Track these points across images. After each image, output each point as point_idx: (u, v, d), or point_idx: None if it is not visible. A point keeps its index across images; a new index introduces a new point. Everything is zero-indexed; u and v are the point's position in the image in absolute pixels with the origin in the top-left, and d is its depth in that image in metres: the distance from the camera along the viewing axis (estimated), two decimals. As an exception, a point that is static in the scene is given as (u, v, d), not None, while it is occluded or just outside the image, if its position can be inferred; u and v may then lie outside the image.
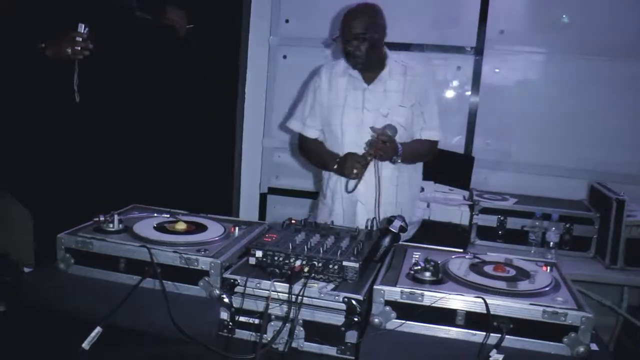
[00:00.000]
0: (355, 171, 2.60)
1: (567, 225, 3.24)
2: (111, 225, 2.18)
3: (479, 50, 3.87)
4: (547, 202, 3.41)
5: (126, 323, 1.85)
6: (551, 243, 3.11)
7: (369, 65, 2.76)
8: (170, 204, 2.54)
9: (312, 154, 2.98)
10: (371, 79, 2.79)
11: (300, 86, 3.96)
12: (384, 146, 2.59)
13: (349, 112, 2.79)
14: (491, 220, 3.33)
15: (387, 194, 2.75)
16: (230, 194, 4.39)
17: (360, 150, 2.70)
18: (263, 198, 4.38)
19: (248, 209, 4.39)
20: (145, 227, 2.22)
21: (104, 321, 1.82)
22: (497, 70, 3.91)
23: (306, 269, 1.87)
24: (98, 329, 1.82)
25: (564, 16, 3.80)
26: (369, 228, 2.27)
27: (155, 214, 2.40)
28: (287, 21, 4.17)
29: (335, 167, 2.73)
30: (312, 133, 2.94)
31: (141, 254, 1.99)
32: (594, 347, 1.72)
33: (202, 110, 3.94)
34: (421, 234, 3.11)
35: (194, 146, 3.93)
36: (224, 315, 1.87)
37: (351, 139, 2.78)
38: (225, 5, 4.02)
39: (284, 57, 4.21)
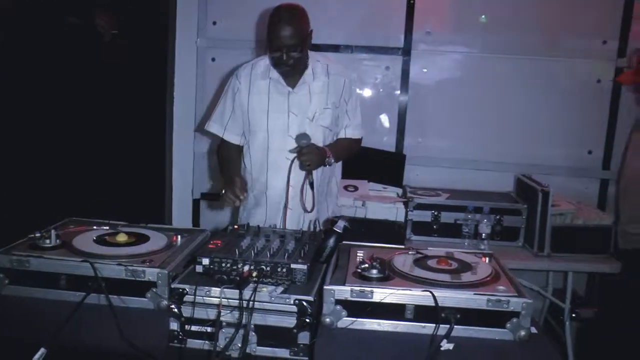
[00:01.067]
0: (230, 201, 2.48)
1: (498, 217, 3.37)
2: (48, 241, 2.11)
3: (406, 51, 3.97)
4: (477, 196, 3.54)
5: (72, 342, 1.81)
6: (483, 234, 3.24)
7: (299, 70, 2.71)
8: (102, 214, 2.49)
9: (224, 165, 2.82)
10: (294, 82, 2.71)
11: (217, 87, 3.96)
12: (305, 159, 2.56)
13: (275, 117, 2.71)
14: (425, 216, 3.42)
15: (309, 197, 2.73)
16: (162, 201, 4.31)
17: (283, 155, 2.67)
18: (196, 204, 4.32)
19: (181, 216, 4.31)
20: (85, 240, 2.16)
21: (49, 341, 1.75)
22: (424, 70, 4.01)
23: (255, 274, 1.87)
24: (42, 350, 1.75)
25: (483, 17, 3.95)
26: (312, 230, 2.29)
27: (95, 227, 2.33)
28: (214, 23, 4.11)
29: (224, 187, 2.55)
30: (235, 139, 2.83)
31: (84, 269, 1.94)
32: (533, 330, 1.82)
33: (130, 116, 3.87)
34: (358, 232, 3.16)
35: (123, 154, 3.86)
36: (174, 325, 1.85)
37: (278, 145, 2.71)
38: (151, 8, 3.95)
39: (213, 59, 4.14)
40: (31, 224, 2.22)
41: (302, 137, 2.58)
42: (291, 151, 2.64)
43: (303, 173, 2.60)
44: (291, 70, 2.65)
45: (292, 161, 2.59)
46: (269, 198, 2.78)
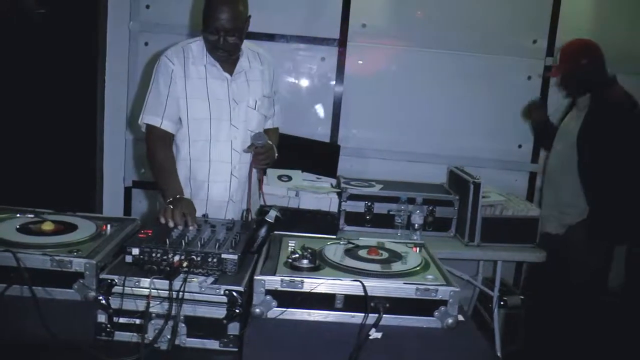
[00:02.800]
0: (178, 223, 2.17)
1: (430, 208, 3.44)
2: (-34, 230, 2.02)
3: (342, 42, 3.99)
4: (410, 187, 3.60)
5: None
6: (416, 225, 3.30)
7: (235, 56, 2.61)
8: (29, 202, 2.39)
9: (161, 173, 2.52)
10: (231, 68, 2.60)
11: (142, 74, 3.91)
12: (263, 158, 2.57)
13: (217, 104, 2.58)
14: (359, 206, 3.45)
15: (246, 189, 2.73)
16: (93, 188, 4.19)
17: (227, 145, 2.61)
18: (128, 192, 4.23)
19: (112, 204, 4.23)
20: (8, 229, 2.07)
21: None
22: (360, 62, 4.05)
23: (185, 264, 1.85)
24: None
25: (418, 12, 4.01)
26: (243, 219, 2.27)
27: (18, 214, 2.24)
28: (147, 7, 4.02)
29: (169, 201, 2.33)
30: (172, 128, 2.58)
31: (6, 259, 1.85)
32: (460, 318, 1.87)
33: (59, 101, 3.74)
34: (291, 223, 3.16)
35: (51, 139, 3.73)
36: (102, 318, 1.81)
37: (223, 135, 2.60)
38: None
39: (146, 44, 4.06)
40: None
41: (258, 136, 2.54)
42: (246, 150, 2.60)
43: (244, 165, 2.61)
44: (227, 56, 2.54)
45: (251, 164, 2.60)
46: (211, 190, 2.65)
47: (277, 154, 2.67)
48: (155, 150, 2.55)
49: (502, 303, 3.71)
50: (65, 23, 3.64)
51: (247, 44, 2.66)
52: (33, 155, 3.56)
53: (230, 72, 2.60)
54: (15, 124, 3.49)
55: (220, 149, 2.62)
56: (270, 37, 3.91)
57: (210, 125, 2.59)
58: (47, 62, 3.60)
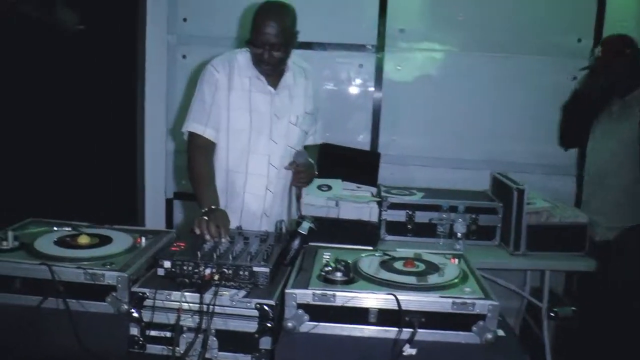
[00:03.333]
0: (212, 235, 2.14)
1: (473, 216, 3.35)
2: (5, 243, 2.05)
3: (380, 48, 3.94)
4: (452, 195, 3.51)
5: (29, 348, 1.76)
6: (459, 234, 3.21)
7: (280, 70, 2.59)
8: (71, 215, 2.43)
9: (200, 184, 2.48)
10: (275, 82, 2.58)
11: (187, 85, 3.92)
12: (303, 176, 2.55)
13: (258, 117, 2.56)
14: (400, 215, 3.39)
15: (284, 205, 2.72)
16: (134, 201, 4.23)
17: (265, 159, 2.59)
18: (169, 203, 4.26)
19: (154, 216, 4.24)
20: (46, 242, 2.10)
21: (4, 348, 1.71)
22: (398, 67, 3.99)
23: (216, 277, 1.83)
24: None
25: (460, 15, 3.93)
26: (277, 231, 2.25)
27: (56, 228, 2.27)
28: (185, 20, 4.05)
29: (204, 211, 2.28)
30: (214, 136, 2.56)
31: (41, 273, 1.88)
32: (500, 333, 1.79)
33: (100, 114, 3.80)
34: (330, 233, 3.12)
35: (93, 152, 3.79)
36: (134, 330, 1.81)
37: (261, 149, 2.59)
38: (121, 3, 3.88)
39: (184, 56, 4.08)
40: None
41: (300, 154, 2.54)
42: (287, 167, 2.60)
43: (281, 180, 2.62)
44: (271, 70, 2.52)
45: (292, 184, 2.60)
46: (246, 202, 2.63)
47: (317, 172, 2.65)
48: (196, 159, 2.54)
49: (552, 315, 3.57)
50: (105, 38, 3.71)
51: (293, 59, 2.63)
52: (75, 168, 3.63)
53: (275, 86, 2.59)
54: (58, 138, 3.56)
55: (256, 161, 2.60)
56: (307, 45, 3.87)
57: (249, 137, 2.58)
58: (87, 76, 3.67)
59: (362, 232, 3.26)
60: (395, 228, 3.40)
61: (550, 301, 3.52)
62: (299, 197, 2.56)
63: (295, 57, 2.67)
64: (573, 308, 3.68)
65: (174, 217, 4.26)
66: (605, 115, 3.38)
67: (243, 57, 2.59)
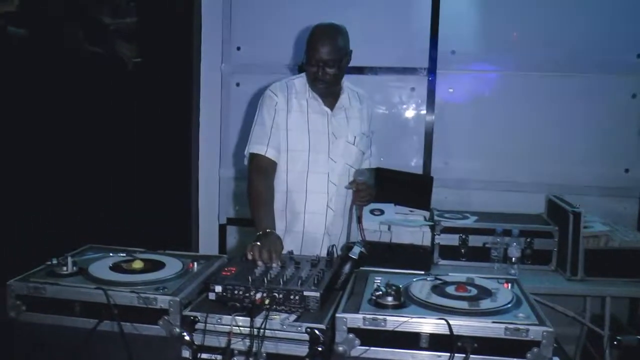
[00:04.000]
0: (264, 261, 2.12)
1: (528, 240, 3.28)
2: (65, 268, 2.11)
3: (431, 71, 3.93)
4: (506, 218, 3.46)
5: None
6: (513, 258, 3.15)
7: (334, 90, 2.67)
8: (127, 241, 2.49)
9: (258, 206, 2.49)
10: (331, 104, 2.67)
11: (242, 112, 3.99)
12: (363, 195, 2.58)
13: (316, 137, 2.64)
14: (453, 239, 3.35)
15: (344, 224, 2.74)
16: (188, 226, 4.31)
17: (324, 177, 2.64)
18: (222, 229, 4.31)
19: (207, 242, 4.30)
20: (101, 267, 2.16)
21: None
22: (450, 90, 3.96)
23: (267, 301, 1.84)
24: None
25: (514, 34, 3.89)
26: (329, 255, 2.25)
27: (111, 254, 2.33)
28: (238, 48, 4.14)
29: (257, 235, 2.29)
30: (275, 156, 2.61)
31: (97, 297, 1.93)
32: (556, 360, 1.73)
33: (155, 142, 3.90)
34: (383, 257, 3.11)
35: (149, 180, 3.88)
36: (186, 353, 1.83)
37: (320, 167, 2.64)
38: (175, 34, 4.00)
39: (237, 84, 4.17)
40: (55, 250, 2.23)
41: (361, 172, 2.59)
42: (348, 187, 2.65)
43: (341, 198, 2.66)
44: (326, 89, 2.61)
45: (353, 203, 2.63)
46: (307, 222, 2.67)
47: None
48: (255, 180, 2.58)
49: (615, 343, 3.43)
50: (161, 69, 3.83)
51: (347, 84, 2.74)
52: (132, 195, 3.72)
53: (331, 107, 2.67)
54: (116, 166, 3.67)
55: (316, 180, 2.65)
56: (359, 70, 3.89)
57: (308, 157, 2.64)
58: (145, 106, 3.79)
59: (415, 257, 3.24)
60: (448, 252, 3.37)
61: (612, 329, 3.38)
62: (360, 219, 2.59)
63: (349, 83, 2.76)
64: (638, 337, 3.54)
65: (227, 242, 4.31)
66: None
67: (299, 81, 2.70)
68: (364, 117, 2.76)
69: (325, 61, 2.51)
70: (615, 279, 3.19)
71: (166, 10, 3.91)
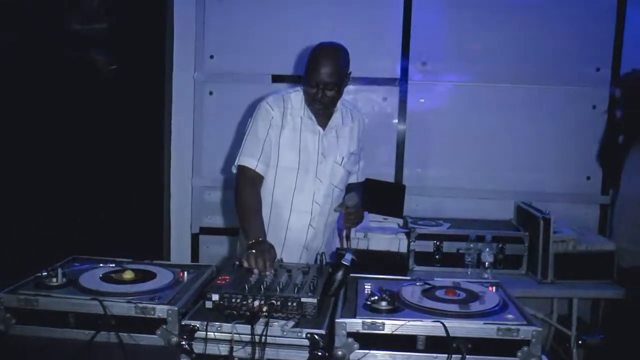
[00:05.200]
0: (259, 269, 2.16)
1: (500, 245, 3.39)
2: (55, 280, 2.09)
3: (403, 81, 4.01)
4: (478, 224, 3.57)
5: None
6: (486, 263, 3.25)
7: (331, 110, 2.67)
8: (100, 251, 2.48)
9: (248, 217, 2.51)
10: (324, 123, 2.66)
11: (220, 118, 4.02)
12: (352, 218, 2.60)
13: (306, 156, 2.64)
14: (427, 246, 3.44)
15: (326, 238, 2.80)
16: (160, 236, 4.28)
17: (310, 197, 2.66)
18: (195, 238, 4.30)
19: (179, 251, 4.27)
20: (92, 278, 2.15)
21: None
22: (421, 100, 4.06)
23: (265, 309, 1.87)
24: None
25: (481, 47, 4.02)
26: (319, 263, 2.29)
27: (101, 264, 2.32)
28: (211, 57, 4.13)
29: (250, 243, 2.32)
30: (264, 171, 2.62)
31: (92, 307, 1.93)
32: (544, 358, 1.83)
33: (127, 151, 3.87)
34: (362, 264, 3.16)
35: (120, 189, 3.85)
36: (186, 362, 1.84)
37: (307, 187, 2.66)
38: (148, 42, 3.98)
39: (210, 93, 4.15)
40: (32, 262, 2.21)
41: (351, 197, 2.60)
42: (337, 210, 2.67)
43: (323, 217, 2.69)
44: (324, 109, 2.60)
45: (342, 224, 2.63)
46: (288, 239, 2.69)
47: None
48: (244, 190, 2.59)
49: (580, 342, 3.57)
50: (134, 77, 3.80)
51: (343, 100, 2.71)
52: (104, 205, 3.68)
53: (323, 126, 2.66)
54: (89, 176, 3.63)
55: (302, 199, 2.67)
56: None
57: (296, 175, 2.65)
58: (117, 114, 3.75)
59: (392, 263, 3.32)
60: (423, 258, 3.45)
61: (578, 329, 3.52)
62: (348, 237, 2.61)
63: (345, 99, 2.74)
64: (601, 335, 3.68)
65: (199, 251, 4.30)
66: (636, 145, 3.43)
67: (296, 96, 2.67)
68: (354, 136, 2.75)
69: (326, 84, 2.48)
70: (582, 281, 3.33)
71: (139, 18, 3.88)
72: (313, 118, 2.64)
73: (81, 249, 2.52)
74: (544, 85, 3.98)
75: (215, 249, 4.23)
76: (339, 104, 2.67)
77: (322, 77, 2.47)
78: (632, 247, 3.32)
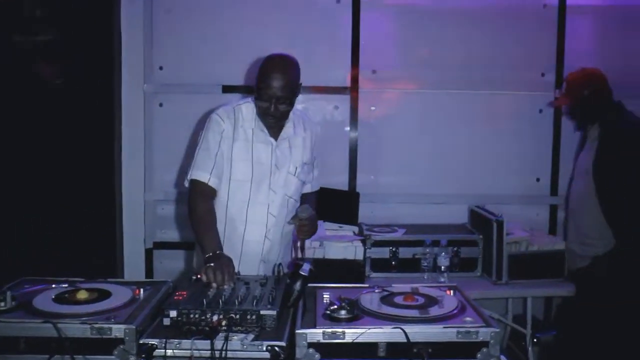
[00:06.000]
0: (218, 283, 2.14)
1: (455, 249, 3.44)
2: (2, 304, 2.02)
3: (354, 90, 4.04)
4: (433, 229, 3.61)
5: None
6: (442, 267, 3.29)
7: (281, 122, 2.64)
8: (51, 270, 2.41)
9: (203, 231, 2.49)
10: (276, 133, 2.64)
11: (171, 130, 3.98)
12: (306, 230, 2.58)
13: (259, 168, 2.61)
14: (383, 252, 3.47)
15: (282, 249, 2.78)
16: (113, 252, 4.19)
17: (264, 208, 2.64)
18: (149, 253, 4.23)
19: (133, 266, 4.19)
20: (44, 299, 2.08)
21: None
22: (373, 108, 4.10)
23: (224, 323, 1.85)
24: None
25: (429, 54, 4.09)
26: (276, 274, 2.28)
27: (53, 285, 2.26)
28: (161, 68, 4.08)
29: (208, 257, 2.32)
30: (217, 184, 2.59)
31: (46, 331, 1.86)
32: (503, 358, 1.86)
33: (76, 167, 3.79)
34: (319, 273, 3.16)
35: (70, 205, 3.76)
36: (145, 381, 1.80)
37: (260, 198, 2.63)
38: (96, 54, 3.90)
39: (160, 104, 4.09)
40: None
41: (304, 209, 2.58)
42: (290, 222, 2.65)
43: (279, 228, 2.67)
44: (276, 122, 2.58)
45: (294, 235, 2.65)
46: (244, 253, 2.65)
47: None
48: (197, 204, 2.55)
49: (535, 340, 3.65)
50: (82, 90, 3.73)
51: (294, 110, 2.69)
52: (52, 222, 3.59)
53: (275, 137, 2.64)
54: (35, 192, 3.54)
55: (256, 211, 2.64)
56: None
57: (250, 188, 2.62)
58: (65, 128, 3.67)
59: (348, 271, 3.32)
60: (379, 265, 3.48)
61: (532, 327, 3.59)
62: (302, 248, 2.61)
63: (296, 108, 2.72)
64: (554, 332, 3.77)
65: (153, 267, 4.23)
66: (579, 149, 3.55)
67: (246, 107, 2.64)
68: (307, 145, 2.74)
69: (278, 97, 2.46)
70: (535, 280, 3.41)
71: (85, 30, 3.80)
72: (265, 130, 2.62)
73: (31, 270, 2.44)
74: (491, 91, 4.08)
75: (170, 264, 4.16)
76: (290, 114, 2.65)
77: (274, 91, 2.45)
78: (578, 246, 3.42)
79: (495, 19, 4.09)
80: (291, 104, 2.55)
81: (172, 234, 4.21)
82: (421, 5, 4.10)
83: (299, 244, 2.62)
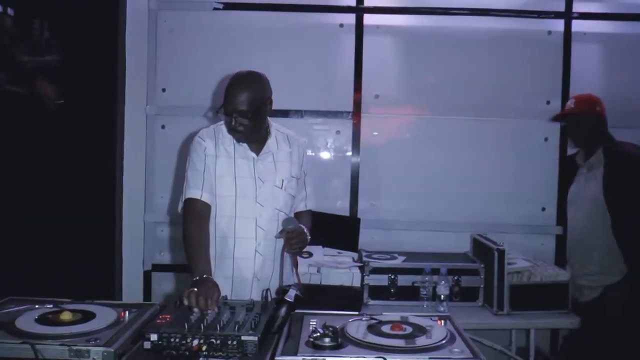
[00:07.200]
0: (201, 307, 2.10)
1: (455, 278, 3.37)
2: (-16, 324, 2.00)
3: (356, 114, 4.03)
4: (434, 257, 3.55)
5: None
6: (442, 296, 3.22)
7: (254, 137, 2.65)
8: (49, 291, 2.40)
9: (193, 252, 2.49)
10: (258, 149, 2.66)
11: (172, 152, 3.99)
12: (294, 243, 2.55)
13: (243, 182, 2.63)
14: (382, 280, 3.40)
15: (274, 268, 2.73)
16: (112, 273, 4.17)
17: (252, 222, 2.62)
18: (147, 275, 4.20)
19: (132, 288, 4.16)
20: (27, 320, 2.06)
21: None
22: (375, 133, 4.07)
23: (204, 348, 1.81)
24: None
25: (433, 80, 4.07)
26: (263, 299, 2.24)
27: (37, 306, 2.23)
28: (164, 90, 4.10)
29: (194, 280, 2.30)
30: (210, 199, 2.61)
31: (24, 352, 1.83)
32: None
33: (78, 187, 3.78)
34: (314, 300, 3.11)
35: (71, 226, 3.75)
36: (122, 406, 1.76)
37: (247, 212, 2.63)
38: (100, 76, 3.92)
39: (163, 127, 4.11)
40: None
41: (288, 221, 2.56)
42: (277, 235, 2.62)
43: (270, 242, 2.63)
44: (243, 137, 2.60)
45: (283, 249, 2.61)
46: (236, 270, 2.64)
47: (309, 237, 2.66)
48: (190, 225, 2.57)
49: (539, 373, 3.56)
50: (85, 111, 3.74)
51: (276, 127, 2.74)
52: (52, 242, 3.58)
53: (257, 152, 2.66)
54: (37, 212, 3.53)
55: (244, 225, 2.63)
56: (284, 113, 3.91)
57: (235, 202, 2.63)
58: (67, 149, 3.68)
59: (346, 298, 3.26)
60: (378, 292, 3.41)
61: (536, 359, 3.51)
62: (296, 265, 2.58)
63: (278, 125, 2.77)
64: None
65: (152, 289, 4.19)
66: (578, 176, 3.49)
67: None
68: (294, 160, 2.75)
69: (238, 112, 2.50)
70: (539, 312, 3.33)
71: (90, 50, 3.82)
72: (245, 145, 2.65)
73: (27, 290, 2.42)
74: (497, 118, 4.04)
75: (169, 287, 4.13)
76: (273, 130, 2.70)
77: (234, 105, 2.50)
78: (585, 283, 3.37)
79: (499, 45, 4.07)
80: (256, 119, 2.56)
81: (170, 256, 4.18)
82: (425, 31, 4.09)
83: (288, 258, 2.62)
